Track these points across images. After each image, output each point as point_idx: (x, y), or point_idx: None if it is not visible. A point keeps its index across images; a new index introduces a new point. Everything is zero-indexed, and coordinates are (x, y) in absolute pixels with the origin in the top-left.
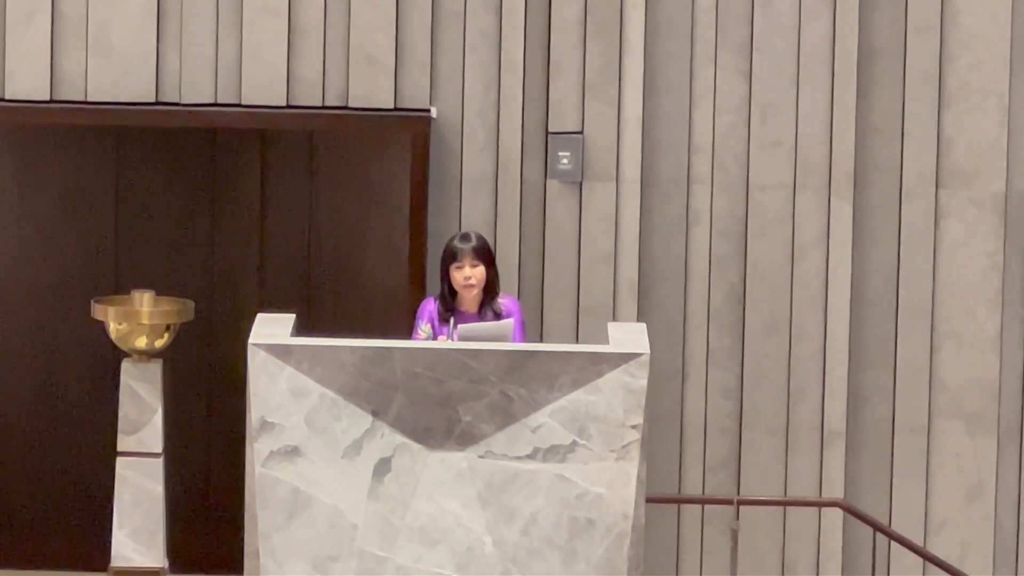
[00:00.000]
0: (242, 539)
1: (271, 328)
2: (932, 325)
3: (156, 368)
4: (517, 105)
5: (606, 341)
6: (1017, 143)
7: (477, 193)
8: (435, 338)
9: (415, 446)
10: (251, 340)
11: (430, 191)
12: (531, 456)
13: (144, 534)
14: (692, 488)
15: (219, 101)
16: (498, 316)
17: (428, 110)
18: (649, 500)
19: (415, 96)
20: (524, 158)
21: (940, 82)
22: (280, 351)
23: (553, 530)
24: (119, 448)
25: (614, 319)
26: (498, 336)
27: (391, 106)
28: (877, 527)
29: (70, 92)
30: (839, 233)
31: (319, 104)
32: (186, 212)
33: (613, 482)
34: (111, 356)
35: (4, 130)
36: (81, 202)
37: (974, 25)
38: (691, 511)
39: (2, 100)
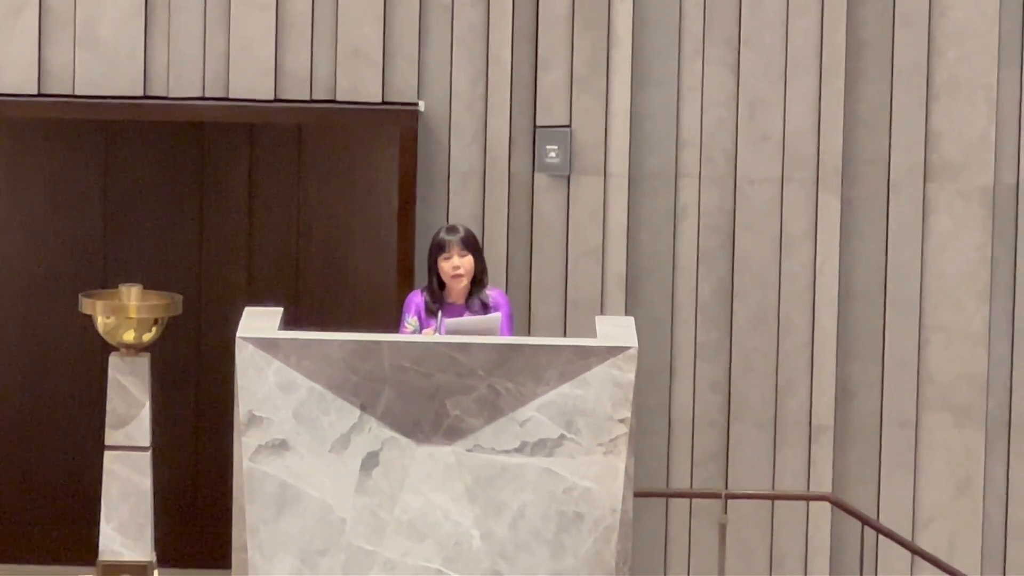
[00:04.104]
0: (230, 533)
1: (259, 322)
2: (920, 319)
3: (144, 362)
4: (505, 99)
5: (594, 335)
6: (1005, 136)
7: (465, 187)
8: (422, 331)
9: (403, 440)
10: (239, 334)
11: (418, 184)
12: (519, 450)
13: (132, 528)
14: (680, 482)
15: (207, 95)
16: (486, 308)
17: (416, 104)
18: (637, 494)
19: (403, 90)
20: (512, 152)
21: (928, 75)
22: (268, 345)
23: (541, 524)
24: (107, 442)
25: (602, 313)
26: (485, 330)
27: (379, 100)
28: (865, 521)
29: (58, 86)
30: (827, 227)
31: (307, 98)
32: (174, 206)
33: (601, 476)
34: (99, 350)
35: None
36: (69, 196)
37: (962, 18)
38: (679, 505)
39: None
